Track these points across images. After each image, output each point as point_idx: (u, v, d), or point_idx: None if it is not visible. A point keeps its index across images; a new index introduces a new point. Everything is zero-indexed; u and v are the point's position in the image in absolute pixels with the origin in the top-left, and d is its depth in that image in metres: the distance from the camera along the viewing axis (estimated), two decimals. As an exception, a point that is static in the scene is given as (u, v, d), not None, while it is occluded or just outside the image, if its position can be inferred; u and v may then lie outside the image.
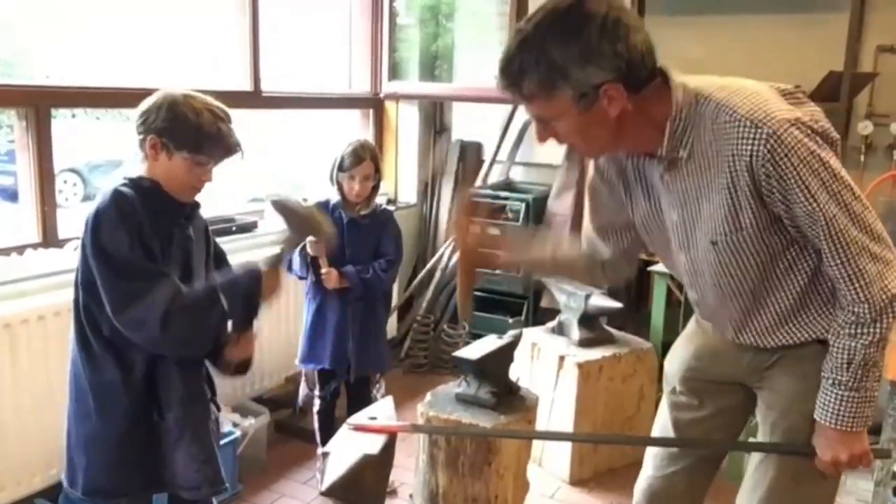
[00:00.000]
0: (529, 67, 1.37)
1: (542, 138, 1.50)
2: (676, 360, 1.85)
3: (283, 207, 1.97)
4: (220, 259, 2.10)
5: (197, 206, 1.99)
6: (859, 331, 1.44)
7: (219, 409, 2.11)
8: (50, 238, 2.85)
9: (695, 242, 1.55)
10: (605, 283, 1.94)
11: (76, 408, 1.89)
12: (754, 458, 1.71)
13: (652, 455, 1.90)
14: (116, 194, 1.76)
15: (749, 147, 1.37)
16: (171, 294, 1.74)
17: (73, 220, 2.77)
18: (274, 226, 3.58)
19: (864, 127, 3.48)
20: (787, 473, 1.63)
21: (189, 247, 1.93)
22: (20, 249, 2.74)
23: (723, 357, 1.72)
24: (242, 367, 2.02)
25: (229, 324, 1.95)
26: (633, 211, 1.68)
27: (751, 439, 1.93)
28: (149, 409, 1.86)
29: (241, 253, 3.28)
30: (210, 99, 1.88)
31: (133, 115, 1.88)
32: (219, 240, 2.20)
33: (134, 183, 1.82)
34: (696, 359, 1.79)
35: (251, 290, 1.87)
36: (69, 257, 2.74)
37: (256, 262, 1.92)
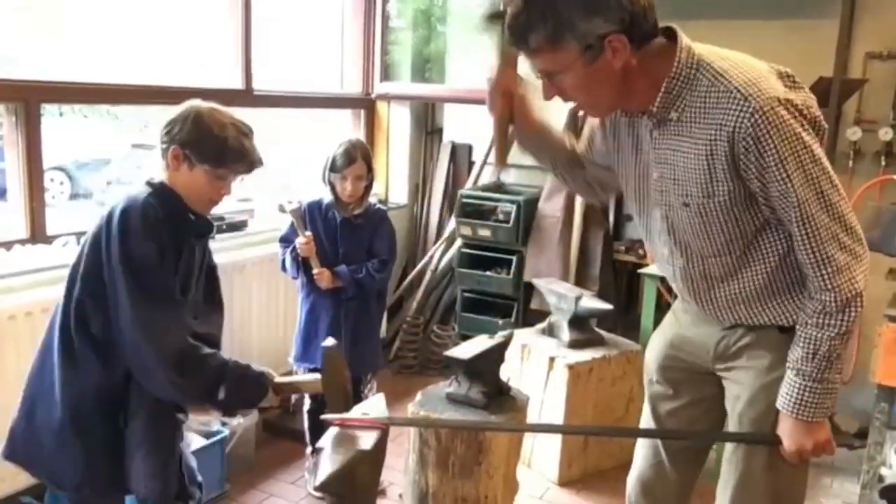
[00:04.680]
0: (536, 21, 1.41)
1: (548, 95, 1.53)
2: (653, 351, 1.90)
3: (328, 359, 1.91)
4: (210, 274, 2.07)
5: (212, 227, 1.99)
6: (826, 321, 1.47)
7: (186, 417, 2.08)
8: (38, 234, 2.83)
9: (670, 201, 1.59)
10: (578, 186, 1.95)
11: (43, 391, 1.87)
12: (727, 451, 1.74)
13: (640, 447, 1.95)
14: (147, 205, 1.77)
15: (733, 119, 1.40)
16: (188, 344, 1.76)
17: (61, 218, 2.77)
18: (263, 225, 3.58)
19: (853, 133, 3.51)
20: (757, 463, 1.65)
21: (192, 264, 1.93)
22: (7, 245, 2.73)
23: (692, 344, 1.77)
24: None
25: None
26: (616, 163, 1.72)
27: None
28: (115, 414, 1.85)
29: (231, 251, 3.29)
30: (234, 114, 1.89)
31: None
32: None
33: (158, 191, 1.83)
34: (670, 347, 1.84)
35: (252, 398, 1.89)
36: (57, 253, 2.72)
37: (272, 374, 1.93)
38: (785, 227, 1.50)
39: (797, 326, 1.53)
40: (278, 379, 1.95)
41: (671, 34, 1.49)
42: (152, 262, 1.73)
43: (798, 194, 1.41)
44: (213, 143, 1.81)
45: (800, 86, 1.49)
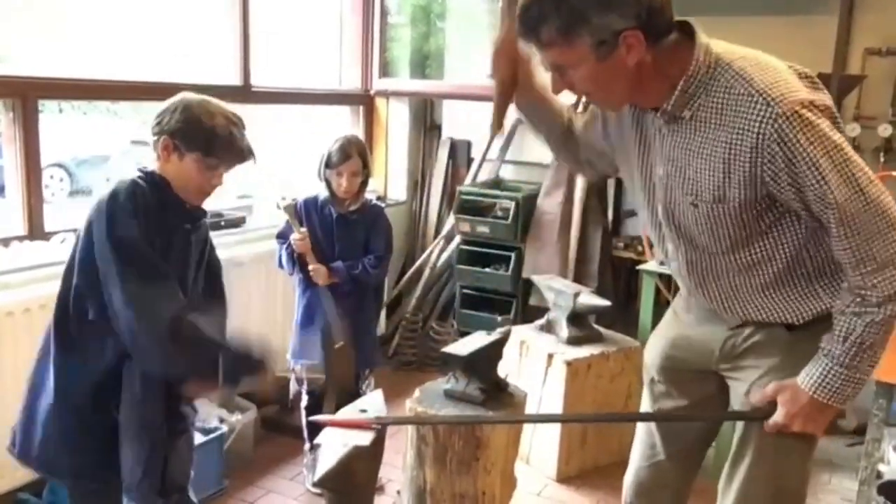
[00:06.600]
0: (549, 13, 1.37)
1: (557, 89, 1.49)
2: (654, 350, 1.87)
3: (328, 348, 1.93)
4: (211, 270, 2.07)
5: (204, 215, 1.98)
6: (864, 310, 1.42)
7: (195, 411, 2.08)
8: (36, 231, 2.83)
9: (676, 199, 1.55)
10: (571, 159, 1.91)
11: (40, 382, 1.88)
12: (732, 450, 1.72)
13: (637, 447, 1.93)
14: (134, 186, 1.77)
15: (757, 125, 1.36)
16: (180, 316, 1.72)
17: (60, 214, 2.77)
18: (261, 222, 3.58)
19: (852, 129, 3.51)
20: (762, 460, 1.64)
21: (188, 255, 1.92)
22: (6, 242, 2.73)
23: (696, 344, 1.74)
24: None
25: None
26: (618, 152, 1.69)
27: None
28: (108, 401, 1.84)
29: (229, 248, 3.29)
30: (225, 105, 1.89)
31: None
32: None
33: (149, 176, 1.83)
34: (672, 347, 1.82)
35: (238, 370, 1.81)
36: (55, 250, 2.72)
37: (266, 350, 1.86)
38: (795, 227, 1.48)
39: (834, 313, 1.48)
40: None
41: (687, 29, 1.44)
42: (137, 239, 1.73)
43: (836, 195, 1.35)
44: (202, 132, 1.81)
45: (819, 87, 1.46)
